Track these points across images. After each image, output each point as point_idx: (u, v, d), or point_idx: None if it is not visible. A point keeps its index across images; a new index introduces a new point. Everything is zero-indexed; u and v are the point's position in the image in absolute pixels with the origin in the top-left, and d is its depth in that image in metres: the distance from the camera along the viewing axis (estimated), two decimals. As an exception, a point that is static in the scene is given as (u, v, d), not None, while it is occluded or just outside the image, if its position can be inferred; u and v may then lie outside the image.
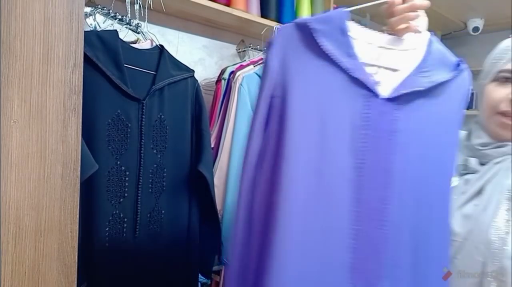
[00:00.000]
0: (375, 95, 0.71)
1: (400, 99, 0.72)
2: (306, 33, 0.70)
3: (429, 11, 0.75)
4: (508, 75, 0.82)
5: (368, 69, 0.73)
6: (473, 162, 0.85)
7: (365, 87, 0.71)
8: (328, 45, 0.69)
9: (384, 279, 0.71)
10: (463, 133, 0.97)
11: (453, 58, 0.79)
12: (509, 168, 0.80)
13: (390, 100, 0.71)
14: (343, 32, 0.71)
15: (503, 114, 0.80)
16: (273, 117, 0.70)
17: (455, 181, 0.86)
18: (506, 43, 0.86)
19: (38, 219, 0.56)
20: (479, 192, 0.82)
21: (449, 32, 3.17)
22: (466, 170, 0.87)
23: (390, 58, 0.75)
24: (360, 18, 2.38)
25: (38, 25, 0.54)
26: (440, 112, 0.76)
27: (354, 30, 0.73)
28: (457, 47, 0.70)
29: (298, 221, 0.68)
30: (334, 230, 0.69)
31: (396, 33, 0.76)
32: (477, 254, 0.76)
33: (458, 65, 0.78)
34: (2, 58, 0.51)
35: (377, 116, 0.71)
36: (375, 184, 0.71)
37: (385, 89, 0.72)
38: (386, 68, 0.74)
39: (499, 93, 0.82)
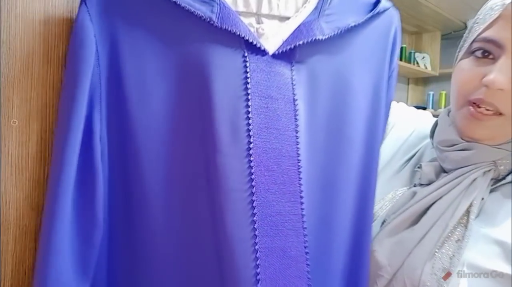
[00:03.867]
0: (259, 50, 0.50)
1: (295, 53, 0.52)
2: None
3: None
4: (486, 45, 0.56)
5: (246, 20, 0.52)
6: (428, 168, 0.62)
7: (242, 41, 0.49)
8: None
9: None
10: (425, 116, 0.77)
11: None
12: (477, 182, 0.56)
13: (281, 56, 0.51)
14: None
15: (475, 103, 0.56)
16: (100, 104, 0.50)
17: (401, 191, 0.65)
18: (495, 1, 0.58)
19: (38, 219, 0.55)
20: (422, 213, 0.59)
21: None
22: (421, 179, 0.64)
23: (277, 3, 0.53)
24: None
25: (38, 25, 0.54)
26: (354, 67, 0.56)
27: None
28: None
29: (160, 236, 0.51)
30: (223, 244, 0.49)
31: None
32: None
33: (376, 3, 0.57)
34: (2, 58, 0.51)
35: (265, 79, 0.50)
36: (276, 176, 0.50)
37: (273, 44, 0.52)
38: (273, 17, 0.54)
39: (472, 73, 0.56)
